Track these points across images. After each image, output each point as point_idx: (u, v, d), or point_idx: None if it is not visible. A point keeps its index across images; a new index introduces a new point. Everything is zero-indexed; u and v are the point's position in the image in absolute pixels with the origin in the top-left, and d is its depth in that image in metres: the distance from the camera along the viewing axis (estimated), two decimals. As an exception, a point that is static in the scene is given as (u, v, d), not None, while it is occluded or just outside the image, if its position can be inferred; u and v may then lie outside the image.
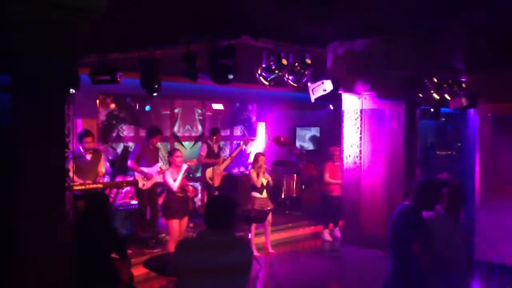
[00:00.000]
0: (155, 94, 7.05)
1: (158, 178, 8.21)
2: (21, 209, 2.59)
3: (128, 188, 8.83)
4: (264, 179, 8.33)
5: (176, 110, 10.46)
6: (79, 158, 7.38)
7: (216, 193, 9.29)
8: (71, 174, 7.00)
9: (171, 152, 7.55)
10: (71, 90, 6.55)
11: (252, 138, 11.56)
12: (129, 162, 8.34)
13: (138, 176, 8.27)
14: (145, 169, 8.26)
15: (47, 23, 2.59)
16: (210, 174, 9.34)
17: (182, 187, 7.28)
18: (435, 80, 7.37)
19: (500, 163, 7.80)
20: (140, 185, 8.24)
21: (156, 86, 6.95)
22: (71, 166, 7.04)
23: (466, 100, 8.01)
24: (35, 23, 2.55)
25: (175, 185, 7.12)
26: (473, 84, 7.80)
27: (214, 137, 9.49)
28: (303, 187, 11.35)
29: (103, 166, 7.84)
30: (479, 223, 7.71)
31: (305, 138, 12.99)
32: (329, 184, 9.51)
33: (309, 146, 12.96)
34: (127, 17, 5.00)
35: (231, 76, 5.83)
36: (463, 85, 7.92)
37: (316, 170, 11.77)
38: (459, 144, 15.10)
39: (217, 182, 9.38)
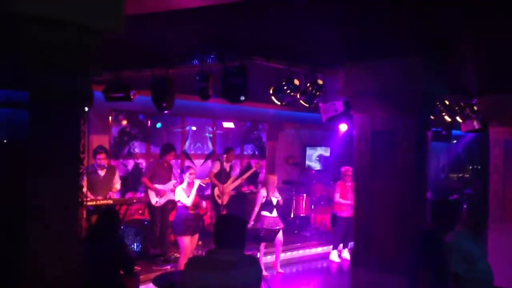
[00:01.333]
0: (165, 111, 7.12)
1: (172, 196, 8.25)
2: (34, 223, 2.62)
3: (139, 204, 8.89)
4: (274, 198, 8.32)
5: (187, 128, 10.53)
6: (92, 174, 7.44)
7: (224, 211, 9.30)
8: (84, 190, 7.05)
9: (184, 170, 7.61)
10: (85, 107, 6.63)
11: (262, 162, 11.59)
12: (143, 179, 8.40)
13: (151, 193, 8.32)
14: (159, 186, 8.31)
15: (64, 43, 2.66)
16: (218, 192, 9.38)
17: (195, 204, 7.31)
18: (447, 102, 7.38)
19: (511, 187, 7.73)
20: (153, 202, 8.28)
21: (168, 104, 7.01)
22: (85, 182, 7.10)
23: (478, 123, 8.00)
24: (52, 42, 2.61)
25: (188, 200, 7.16)
26: (485, 107, 7.78)
27: (225, 156, 9.54)
28: (313, 207, 11.31)
29: (118, 183, 7.89)
30: (490, 246, 7.62)
31: (312, 158, 12.96)
32: (339, 204, 9.47)
33: (316, 165, 12.90)
34: (141, 35, 5.08)
35: (242, 98, 5.90)
36: (475, 107, 7.91)
37: (325, 190, 11.74)
38: (471, 167, 15.01)
39: (225, 200, 9.40)
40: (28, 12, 2.45)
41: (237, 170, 10.94)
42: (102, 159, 7.56)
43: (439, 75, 6.20)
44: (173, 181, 8.53)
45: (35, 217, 2.63)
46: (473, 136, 11.70)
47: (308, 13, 4.49)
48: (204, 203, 8.28)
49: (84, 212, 6.96)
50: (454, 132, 11.16)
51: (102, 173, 7.63)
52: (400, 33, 5.06)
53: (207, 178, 9.06)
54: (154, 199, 8.28)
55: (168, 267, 7.72)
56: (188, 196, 7.18)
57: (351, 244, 9.23)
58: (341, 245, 9.70)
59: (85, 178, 7.20)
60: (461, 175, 15.10)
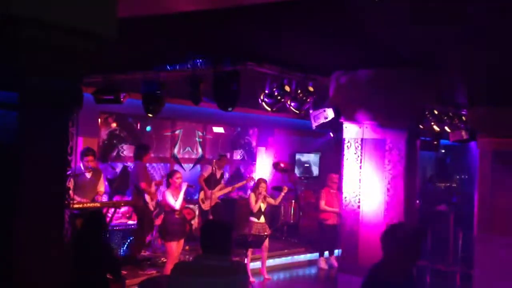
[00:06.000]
0: (150, 115, 7.08)
1: (159, 197, 8.23)
2: (21, 225, 2.59)
3: (126, 208, 8.83)
4: (263, 204, 8.31)
5: (177, 132, 10.49)
6: (79, 176, 7.36)
7: (210, 216, 9.27)
8: (71, 192, 6.95)
9: (171, 174, 7.52)
10: (75, 109, 6.57)
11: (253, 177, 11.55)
12: (142, 185, 8.28)
13: (148, 198, 8.27)
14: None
15: (55, 45, 2.64)
16: (202, 196, 9.35)
17: (180, 210, 7.25)
18: (436, 112, 7.42)
19: (498, 198, 7.79)
20: (150, 206, 8.25)
21: (157, 108, 6.98)
22: (71, 184, 6.99)
23: (466, 133, 8.05)
24: (43, 45, 2.59)
25: (177, 204, 7.09)
26: (474, 117, 7.84)
27: (217, 162, 9.51)
28: (301, 213, 11.30)
29: (103, 185, 7.81)
30: (478, 256, 7.67)
31: (299, 164, 12.90)
32: (324, 211, 9.44)
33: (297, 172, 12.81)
34: (133, 39, 5.06)
35: (230, 108, 5.95)
36: (464, 118, 7.97)
37: (314, 197, 11.74)
38: (458, 177, 15.12)
39: (208, 206, 9.35)
40: (21, 15, 2.43)
41: (226, 176, 10.91)
42: (89, 161, 7.48)
43: (429, 86, 6.25)
44: (153, 182, 8.54)
45: (23, 219, 2.60)
46: (461, 146, 11.80)
47: (300, 23, 4.51)
48: (189, 209, 8.24)
49: (71, 215, 6.92)
50: (442, 141, 11.24)
51: (88, 175, 7.54)
52: (391, 45, 5.10)
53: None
54: (150, 203, 8.27)
55: (155, 271, 7.67)
56: (176, 200, 7.12)
57: (339, 251, 9.24)
58: (327, 252, 9.70)
59: (71, 180, 7.12)
60: (448, 184, 15.20)
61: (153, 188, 8.38)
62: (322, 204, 9.44)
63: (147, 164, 9.09)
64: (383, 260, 3.13)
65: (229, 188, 9.88)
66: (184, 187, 7.27)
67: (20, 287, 2.57)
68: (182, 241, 7.36)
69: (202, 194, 9.47)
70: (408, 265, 3.15)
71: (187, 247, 8.49)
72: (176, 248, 7.10)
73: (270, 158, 12.25)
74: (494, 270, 7.26)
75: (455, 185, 14.62)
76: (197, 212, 10.34)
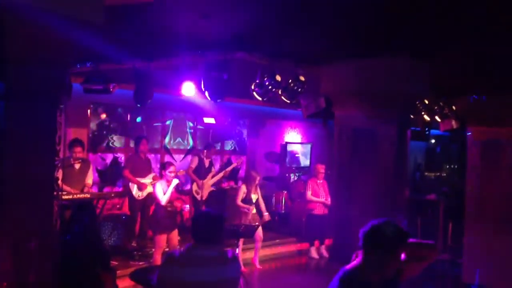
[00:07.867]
0: (139, 105, 7.03)
1: (151, 189, 8.19)
2: (9, 216, 2.57)
3: (117, 198, 8.79)
4: (254, 195, 8.31)
5: (167, 123, 10.43)
6: (67, 167, 7.29)
7: (203, 207, 9.25)
8: (60, 182, 6.87)
9: (165, 165, 7.41)
10: (63, 99, 6.50)
11: (243, 158, 11.57)
12: (124, 172, 8.31)
13: (132, 186, 8.24)
14: (139, 180, 8.26)
15: (41, 33, 2.59)
16: (196, 188, 9.32)
17: (171, 201, 7.18)
18: (426, 101, 7.44)
19: (488, 187, 7.84)
20: (135, 195, 8.21)
21: (147, 98, 6.92)
22: (60, 174, 6.90)
23: (456, 123, 8.09)
24: (30, 33, 2.55)
25: (163, 199, 6.99)
26: (463, 107, 7.88)
27: (205, 152, 9.48)
28: (293, 203, 11.33)
29: (91, 178, 7.74)
30: (467, 245, 7.73)
31: (290, 154, 12.89)
32: (311, 201, 9.45)
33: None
34: (123, 28, 5.01)
35: (220, 100, 5.92)
36: (453, 107, 8.00)
37: (304, 187, 11.77)
38: (448, 166, 15.23)
39: (204, 196, 9.35)
40: (5, 2, 2.39)
41: (217, 166, 10.89)
42: (77, 152, 7.40)
43: (422, 77, 6.25)
44: (152, 174, 8.46)
45: (10, 209, 2.57)
46: (450, 135, 11.87)
47: (292, 12, 4.48)
48: (180, 200, 8.19)
49: (60, 206, 6.86)
50: (432, 131, 11.30)
51: (77, 166, 7.47)
52: (385, 35, 5.09)
53: (182, 170, 9.03)
54: (135, 192, 8.23)
55: (145, 262, 7.65)
56: (164, 194, 7.00)
57: (328, 240, 9.28)
58: (317, 241, 9.73)
59: (60, 171, 7.03)
60: (438, 174, 15.31)
61: (148, 180, 8.35)
62: (309, 194, 9.46)
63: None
64: (361, 263, 2.79)
65: (222, 173, 9.88)
66: (174, 183, 7.14)
67: (8, 277, 2.55)
68: (175, 232, 7.31)
69: (195, 186, 9.45)
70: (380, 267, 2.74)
71: (178, 237, 8.46)
72: (165, 240, 7.04)
73: (261, 148, 12.25)
74: (482, 259, 7.33)
75: (444, 174, 14.72)
76: (188, 203, 10.32)
